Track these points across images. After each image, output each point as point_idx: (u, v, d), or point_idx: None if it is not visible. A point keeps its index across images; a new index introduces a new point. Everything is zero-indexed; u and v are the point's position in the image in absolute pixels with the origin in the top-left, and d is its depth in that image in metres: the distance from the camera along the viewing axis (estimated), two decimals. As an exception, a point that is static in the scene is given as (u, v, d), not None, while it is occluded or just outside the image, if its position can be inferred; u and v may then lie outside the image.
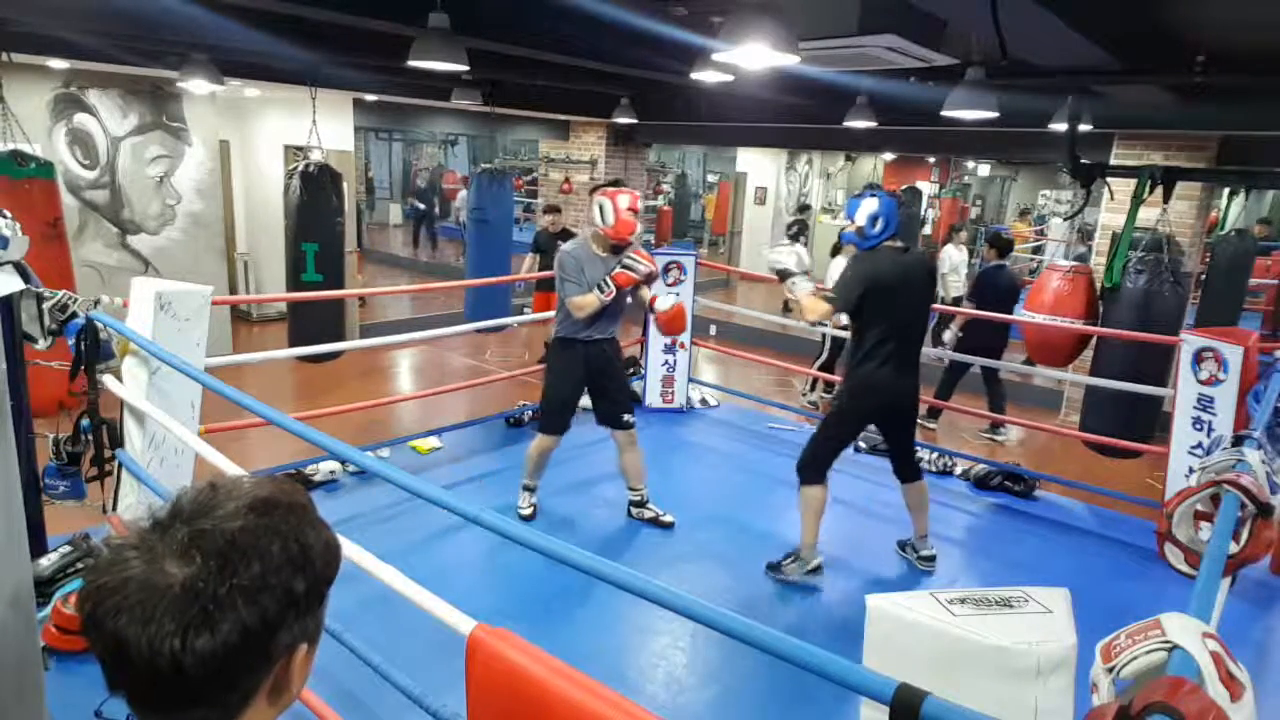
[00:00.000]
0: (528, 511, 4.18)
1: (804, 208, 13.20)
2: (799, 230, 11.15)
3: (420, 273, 14.08)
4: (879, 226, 3.45)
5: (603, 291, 3.71)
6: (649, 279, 3.87)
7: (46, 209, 4.87)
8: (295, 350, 4.96)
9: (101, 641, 0.67)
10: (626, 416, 3.98)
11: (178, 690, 0.67)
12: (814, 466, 3.59)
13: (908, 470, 3.79)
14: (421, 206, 16.48)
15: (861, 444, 5.52)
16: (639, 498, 4.15)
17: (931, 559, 3.85)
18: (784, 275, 3.58)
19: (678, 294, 5.78)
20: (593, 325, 3.85)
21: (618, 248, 3.81)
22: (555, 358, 4.05)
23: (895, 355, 3.48)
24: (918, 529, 3.87)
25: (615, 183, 4.00)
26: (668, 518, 4.10)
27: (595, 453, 5.24)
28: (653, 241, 14.62)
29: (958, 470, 5.09)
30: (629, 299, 3.95)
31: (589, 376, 3.96)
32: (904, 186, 14.49)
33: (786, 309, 11.66)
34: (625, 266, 3.74)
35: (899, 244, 3.54)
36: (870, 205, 3.47)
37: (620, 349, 4.08)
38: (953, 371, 6.34)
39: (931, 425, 6.59)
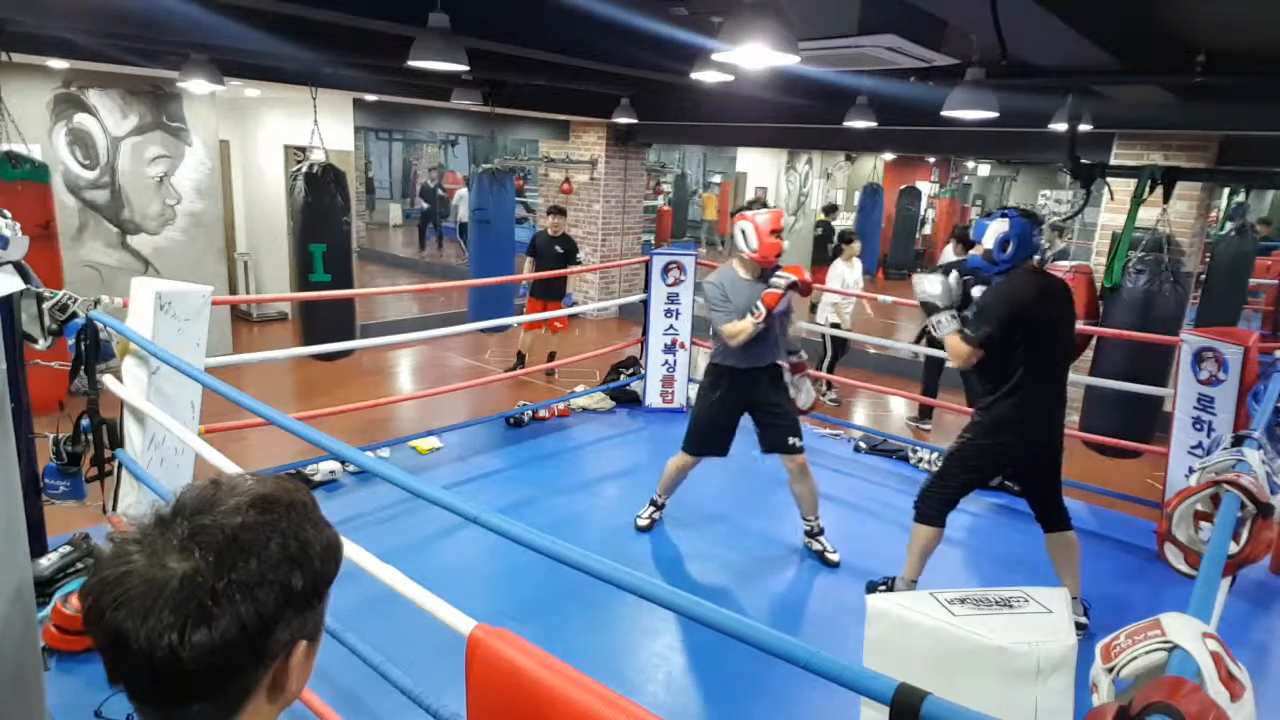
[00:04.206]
0: (644, 523, 4.12)
1: (830, 208, 10.97)
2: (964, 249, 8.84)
3: (420, 273, 14.09)
4: (1009, 250, 3.13)
5: (754, 315, 3.59)
6: (800, 290, 3.69)
7: (39, 211, 4.84)
8: (294, 350, 4.96)
9: (102, 634, 0.68)
10: (792, 440, 3.78)
11: (176, 684, 0.68)
12: (931, 505, 3.32)
13: (1053, 518, 3.35)
14: (426, 206, 16.53)
15: (862, 444, 5.53)
16: (810, 528, 3.96)
17: (1082, 628, 3.17)
18: (929, 310, 3.28)
19: (678, 293, 5.82)
20: (748, 353, 3.71)
21: (765, 272, 3.72)
22: (706, 383, 3.94)
23: (1035, 390, 3.16)
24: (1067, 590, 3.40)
25: (753, 204, 3.88)
26: (833, 556, 3.89)
27: (595, 453, 5.26)
28: (653, 241, 14.64)
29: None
30: (787, 320, 3.84)
31: (745, 405, 3.84)
32: (904, 186, 14.53)
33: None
34: (771, 285, 3.62)
35: (1035, 266, 3.25)
36: (999, 227, 3.16)
37: (782, 375, 3.89)
38: (930, 367, 6.29)
39: (926, 426, 6.57)
